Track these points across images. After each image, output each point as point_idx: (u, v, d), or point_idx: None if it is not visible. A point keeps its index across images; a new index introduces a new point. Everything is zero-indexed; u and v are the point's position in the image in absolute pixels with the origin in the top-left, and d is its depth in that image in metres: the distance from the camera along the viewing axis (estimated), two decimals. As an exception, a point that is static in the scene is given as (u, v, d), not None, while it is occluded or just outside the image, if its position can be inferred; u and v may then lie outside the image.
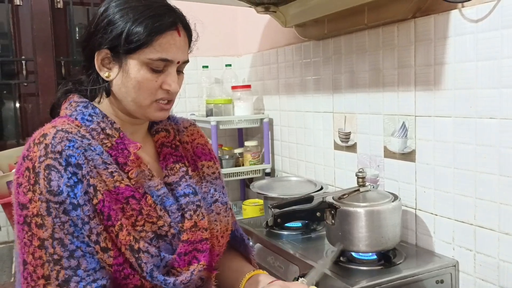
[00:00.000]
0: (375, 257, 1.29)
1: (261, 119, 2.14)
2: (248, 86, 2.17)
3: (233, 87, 2.17)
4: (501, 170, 1.14)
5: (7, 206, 1.90)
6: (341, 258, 1.30)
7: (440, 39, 1.26)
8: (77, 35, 2.40)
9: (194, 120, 2.20)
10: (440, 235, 1.32)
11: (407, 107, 1.39)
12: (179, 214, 0.92)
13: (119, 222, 0.82)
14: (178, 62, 0.92)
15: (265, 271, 1.04)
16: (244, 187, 2.43)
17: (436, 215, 1.32)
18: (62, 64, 2.33)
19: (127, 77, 0.88)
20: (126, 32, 0.86)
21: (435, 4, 1.28)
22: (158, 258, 0.85)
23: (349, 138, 1.65)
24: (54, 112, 0.98)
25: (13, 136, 2.29)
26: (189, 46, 0.96)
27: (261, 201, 1.90)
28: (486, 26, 1.14)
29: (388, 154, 1.47)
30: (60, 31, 2.32)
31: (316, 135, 1.85)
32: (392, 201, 1.28)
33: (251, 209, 1.90)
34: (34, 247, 0.79)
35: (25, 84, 2.28)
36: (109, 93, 0.92)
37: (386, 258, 1.28)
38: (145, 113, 0.92)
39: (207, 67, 2.27)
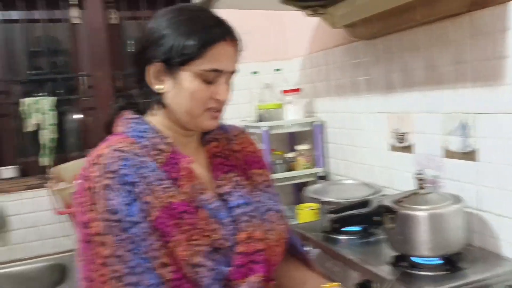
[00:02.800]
0: (439, 261, 1.24)
1: (313, 122, 2.12)
2: (298, 90, 2.16)
3: (284, 91, 2.17)
4: None
5: (73, 217, 2.00)
6: (403, 263, 1.27)
7: (499, 32, 1.20)
8: (130, 49, 2.49)
9: (246, 126, 2.23)
10: (507, 236, 1.25)
11: (466, 104, 1.33)
12: (233, 226, 0.91)
13: (175, 238, 0.83)
14: (229, 72, 0.93)
15: (339, 283, 1.00)
16: (298, 191, 2.41)
17: (502, 216, 1.26)
18: (118, 77, 2.41)
19: (180, 88, 0.89)
20: (178, 45, 0.87)
21: (491, -4, 1.22)
22: (215, 271, 0.85)
23: (405, 139, 1.60)
24: (109, 129, 1.00)
25: (75, 148, 2.40)
26: (238, 55, 0.96)
27: (316, 205, 1.89)
28: (551, 15, 1.08)
29: (448, 154, 1.42)
30: (115, 46, 2.41)
31: (370, 137, 1.82)
32: (454, 203, 1.23)
33: (306, 213, 1.89)
34: (98, 264, 0.81)
35: (85, 98, 2.38)
36: (163, 105, 0.93)
37: (451, 263, 1.23)
38: (197, 123, 0.93)
39: (256, 72, 2.28)
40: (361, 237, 1.53)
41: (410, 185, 1.59)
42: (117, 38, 2.43)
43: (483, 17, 1.24)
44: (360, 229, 1.56)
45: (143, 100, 0.95)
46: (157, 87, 0.92)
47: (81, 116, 2.40)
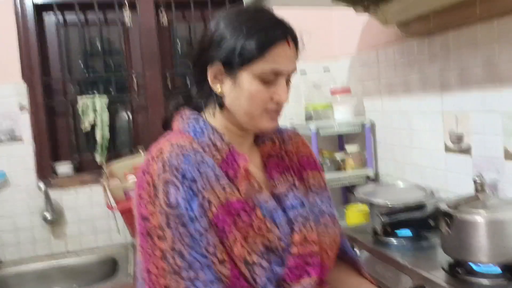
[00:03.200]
0: (498, 269, 1.18)
1: (363, 123, 2.08)
2: (348, 90, 2.12)
3: (332, 91, 2.13)
4: None
5: (125, 212, 2.05)
6: (459, 270, 1.21)
7: None
8: (179, 49, 2.53)
9: (293, 126, 2.21)
10: None
11: (531, 104, 1.26)
12: (288, 227, 0.90)
13: (232, 235, 0.83)
14: (288, 73, 0.92)
15: None
16: (346, 192, 2.37)
17: None
18: (168, 77, 2.46)
19: (240, 89, 0.89)
20: (239, 46, 0.87)
21: (562, -12, 1.15)
22: (270, 271, 0.84)
23: (462, 139, 1.54)
24: (166, 125, 1.02)
25: (126, 146, 2.47)
26: (297, 55, 0.95)
27: (365, 207, 1.85)
28: None
29: (510, 156, 1.34)
30: (165, 47, 2.45)
31: (423, 137, 1.75)
32: (517, 209, 1.16)
33: (354, 215, 1.85)
34: (156, 257, 0.82)
35: (136, 97, 2.44)
36: (222, 106, 0.94)
37: (511, 271, 1.17)
38: (256, 124, 0.93)
39: (304, 72, 2.25)
40: (413, 241, 1.48)
41: (465, 189, 1.52)
42: (167, 39, 2.48)
43: (551, 12, 1.17)
44: (412, 233, 1.51)
45: (202, 99, 0.96)
46: (216, 87, 0.92)
47: (133, 114, 2.46)
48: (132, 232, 2.11)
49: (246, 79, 0.88)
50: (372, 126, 2.10)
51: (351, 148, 2.11)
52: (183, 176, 0.83)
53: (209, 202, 0.83)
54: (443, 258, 1.29)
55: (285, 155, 1.02)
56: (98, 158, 2.31)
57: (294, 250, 0.88)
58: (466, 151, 1.52)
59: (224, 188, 0.86)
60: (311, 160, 1.06)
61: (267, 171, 0.99)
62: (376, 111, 2.09)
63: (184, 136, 0.91)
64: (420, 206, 1.24)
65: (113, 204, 2.03)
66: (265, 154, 1.01)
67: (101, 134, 2.28)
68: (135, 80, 2.42)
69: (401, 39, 1.83)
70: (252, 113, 0.91)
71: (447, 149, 1.62)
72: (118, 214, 2.10)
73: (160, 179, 0.83)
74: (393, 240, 1.50)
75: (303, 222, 0.91)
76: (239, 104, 0.91)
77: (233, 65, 0.88)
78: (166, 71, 2.45)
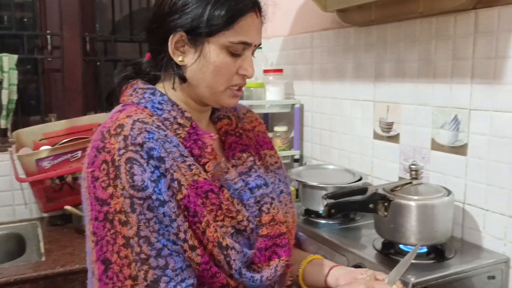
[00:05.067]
0: (425, 250, 1.28)
1: (293, 105, 2.10)
2: (280, 70, 2.13)
3: (265, 71, 2.13)
4: None
5: (35, 184, 1.87)
6: (390, 250, 1.29)
7: (503, 32, 1.23)
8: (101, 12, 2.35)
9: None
10: (490, 230, 1.31)
11: (461, 99, 1.36)
12: (257, 207, 0.88)
13: (205, 218, 0.78)
14: (255, 46, 0.88)
15: (322, 257, 1.03)
16: (269, 172, 2.40)
17: (487, 210, 1.31)
18: (87, 40, 2.27)
19: (205, 61, 0.84)
20: (207, 14, 0.81)
21: (499, -5, 1.24)
22: (242, 254, 0.82)
23: (391, 128, 1.63)
24: (111, 98, 0.93)
25: (36, 112, 2.24)
26: (262, 28, 0.92)
27: (291, 188, 1.88)
28: (559, 20, 1.11)
29: (436, 146, 1.45)
30: (86, 7, 2.25)
31: (353, 123, 1.82)
32: (446, 196, 1.26)
33: (282, 195, 1.88)
34: (118, 245, 0.74)
35: (50, 59, 2.22)
36: (184, 79, 0.87)
37: (437, 252, 1.27)
38: (218, 100, 0.88)
39: (236, 49, 2.22)
40: (341, 222, 1.56)
41: (393, 174, 1.62)
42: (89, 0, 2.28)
43: (489, 16, 1.26)
44: (341, 214, 1.58)
45: (158, 71, 0.88)
46: (178, 59, 0.85)
47: (45, 78, 2.23)
48: (42, 206, 1.93)
49: (213, 50, 0.83)
50: (301, 109, 2.13)
51: (279, 129, 2.13)
52: (149, 155, 0.76)
53: (179, 183, 0.77)
54: (372, 239, 1.37)
55: (242, 133, 0.99)
56: (3, 123, 2.06)
57: (263, 231, 0.86)
58: (394, 139, 1.62)
59: (190, 168, 0.80)
60: (266, 138, 1.05)
61: (226, 149, 0.95)
62: (305, 94, 2.12)
63: (142, 110, 0.83)
64: (363, 190, 1.29)
65: (23, 175, 1.84)
66: (222, 131, 0.97)
67: (8, 96, 2.04)
68: (49, 40, 2.20)
69: (338, 26, 1.87)
70: (216, 88, 0.86)
71: (376, 136, 1.71)
72: (26, 187, 1.91)
73: (121, 158, 0.75)
74: (321, 221, 1.57)
75: (270, 202, 0.90)
76: (203, 77, 0.85)
77: (198, 35, 0.82)
78: (85, 33, 2.25)
